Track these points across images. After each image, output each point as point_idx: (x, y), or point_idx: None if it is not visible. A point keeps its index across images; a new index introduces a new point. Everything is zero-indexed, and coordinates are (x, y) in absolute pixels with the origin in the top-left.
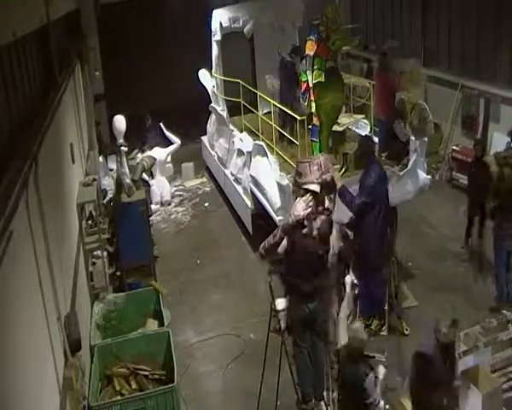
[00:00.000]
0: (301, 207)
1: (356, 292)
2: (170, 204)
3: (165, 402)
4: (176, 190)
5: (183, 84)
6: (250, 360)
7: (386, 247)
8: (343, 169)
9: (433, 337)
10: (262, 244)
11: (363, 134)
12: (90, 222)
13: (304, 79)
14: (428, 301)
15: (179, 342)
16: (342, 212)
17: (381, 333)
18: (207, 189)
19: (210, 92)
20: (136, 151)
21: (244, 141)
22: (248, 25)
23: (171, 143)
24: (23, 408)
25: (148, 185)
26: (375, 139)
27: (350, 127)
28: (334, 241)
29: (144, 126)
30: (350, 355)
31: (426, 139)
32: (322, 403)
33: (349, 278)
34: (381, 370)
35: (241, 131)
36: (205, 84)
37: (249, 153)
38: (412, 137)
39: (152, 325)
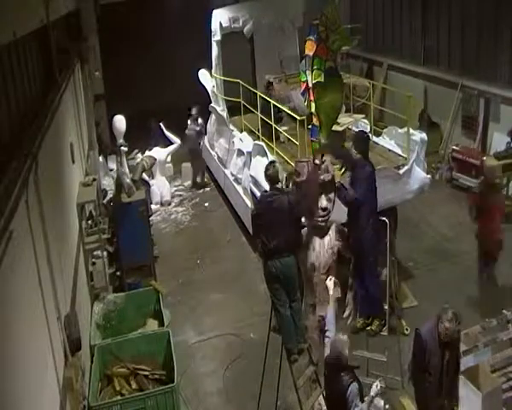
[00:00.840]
0: None
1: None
2: (170, 204)
3: (165, 402)
4: (176, 190)
5: (183, 84)
6: (250, 360)
7: (381, 246)
8: (343, 169)
9: (433, 331)
10: None
11: (359, 130)
12: (90, 222)
13: (303, 79)
14: (428, 301)
15: (179, 342)
16: (342, 212)
17: (382, 333)
18: (207, 189)
19: (210, 92)
20: (136, 151)
21: (244, 141)
22: (248, 25)
23: (171, 143)
24: (23, 408)
25: (148, 185)
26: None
27: (350, 127)
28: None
29: (150, 130)
30: (329, 368)
31: (426, 138)
32: (322, 398)
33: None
34: (375, 387)
35: (241, 131)
36: (205, 85)
37: (249, 153)
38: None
39: (152, 325)
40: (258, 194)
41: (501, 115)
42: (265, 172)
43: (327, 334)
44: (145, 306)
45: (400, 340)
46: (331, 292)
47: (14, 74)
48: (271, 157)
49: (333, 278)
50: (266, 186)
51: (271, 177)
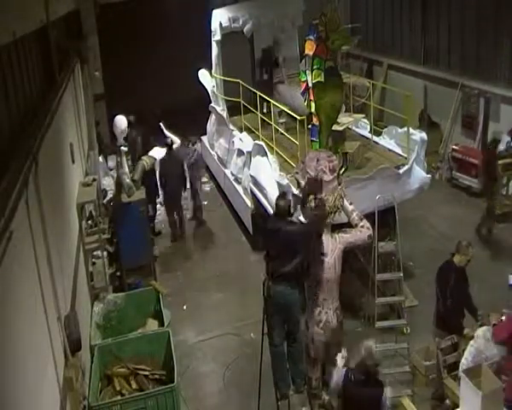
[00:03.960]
0: None
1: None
2: None
3: (165, 402)
4: None
5: (183, 84)
6: (250, 360)
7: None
8: (343, 169)
9: None
10: None
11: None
12: (90, 222)
13: (303, 79)
14: (429, 300)
15: (179, 342)
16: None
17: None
18: (207, 188)
19: (210, 92)
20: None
21: (244, 141)
22: (248, 24)
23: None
24: (23, 408)
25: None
26: None
27: (350, 127)
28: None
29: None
30: (362, 374)
31: (426, 138)
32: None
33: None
34: (388, 390)
35: (241, 131)
36: (205, 84)
37: (249, 153)
38: None
39: (152, 325)
40: (258, 194)
41: (501, 115)
42: (276, 201)
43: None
44: (145, 306)
45: (400, 340)
46: (339, 362)
47: (14, 74)
48: (271, 157)
49: (342, 353)
50: (266, 185)
51: (281, 209)
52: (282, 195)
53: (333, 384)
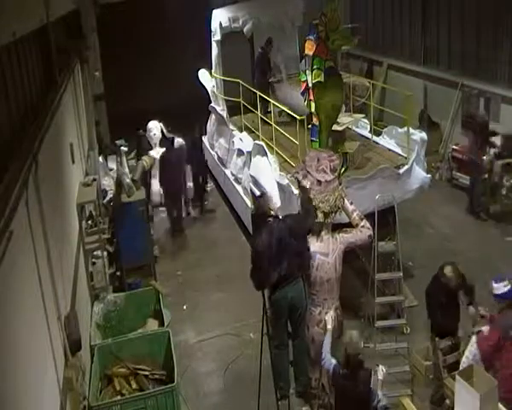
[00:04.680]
0: None
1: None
2: None
3: (165, 402)
4: None
5: (183, 84)
6: (250, 360)
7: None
8: (343, 168)
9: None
10: None
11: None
12: (90, 222)
13: (303, 79)
14: None
15: (179, 342)
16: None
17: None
18: (207, 188)
19: (210, 92)
20: (135, 151)
21: (244, 141)
22: (248, 24)
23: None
24: (23, 408)
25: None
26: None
27: (350, 127)
28: None
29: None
30: (352, 365)
31: (426, 138)
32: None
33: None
34: (381, 371)
35: (241, 131)
36: (205, 84)
37: (249, 153)
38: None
39: (152, 324)
40: (258, 194)
41: (501, 115)
42: (255, 203)
43: (322, 358)
44: (145, 306)
45: (400, 340)
46: (329, 326)
47: (14, 74)
48: (271, 157)
49: (331, 312)
50: (266, 186)
51: (264, 210)
52: (261, 195)
53: (324, 349)
